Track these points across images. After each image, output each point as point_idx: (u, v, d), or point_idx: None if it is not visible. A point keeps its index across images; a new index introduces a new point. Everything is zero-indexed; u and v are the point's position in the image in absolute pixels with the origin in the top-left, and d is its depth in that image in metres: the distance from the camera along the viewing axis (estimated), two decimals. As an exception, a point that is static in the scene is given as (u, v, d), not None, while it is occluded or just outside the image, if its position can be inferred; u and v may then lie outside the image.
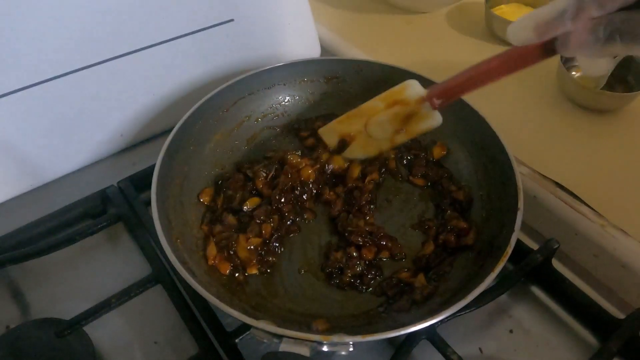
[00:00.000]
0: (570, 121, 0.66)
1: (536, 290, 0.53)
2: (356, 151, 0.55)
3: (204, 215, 0.54)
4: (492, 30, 0.81)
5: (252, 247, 0.50)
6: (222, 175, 0.58)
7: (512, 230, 0.44)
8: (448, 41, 0.81)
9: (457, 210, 0.54)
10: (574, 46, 0.34)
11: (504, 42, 0.80)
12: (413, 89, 0.49)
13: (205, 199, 0.55)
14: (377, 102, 0.51)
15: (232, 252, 0.49)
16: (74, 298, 0.50)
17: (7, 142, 0.55)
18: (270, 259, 0.50)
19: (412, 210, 0.56)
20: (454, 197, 0.55)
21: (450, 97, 0.47)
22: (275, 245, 0.51)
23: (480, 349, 0.48)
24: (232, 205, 0.54)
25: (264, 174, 0.55)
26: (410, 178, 0.58)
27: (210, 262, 0.49)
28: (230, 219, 0.52)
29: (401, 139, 0.52)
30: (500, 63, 0.41)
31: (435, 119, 0.49)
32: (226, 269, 0.49)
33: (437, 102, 0.47)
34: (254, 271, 0.49)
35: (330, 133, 0.56)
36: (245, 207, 0.53)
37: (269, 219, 0.52)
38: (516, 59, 0.40)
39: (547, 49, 0.37)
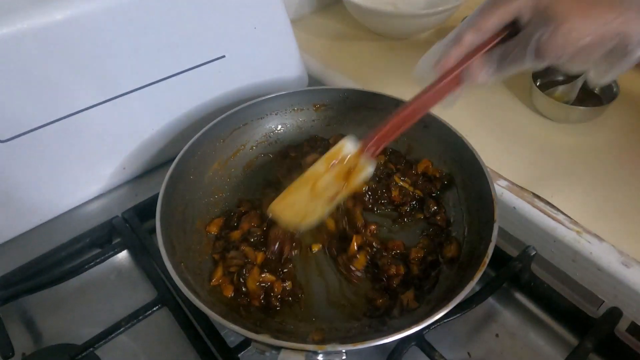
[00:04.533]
0: (544, 135, 0.70)
1: (519, 296, 0.56)
2: (308, 219, 0.52)
3: (214, 244, 0.56)
4: (469, 52, 0.86)
5: (263, 284, 0.51)
6: (233, 209, 0.60)
7: (490, 241, 0.47)
8: (428, 64, 0.86)
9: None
10: (475, 77, 0.42)
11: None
12: (349, 146, 0.48)
13: (213, 229, 0.58)
14: (318, 167, 0.50)
15: (241, 280, 0.51)
16: (85, 324, 0.53)
17: (17, 181, 0.59)
18: (276, 303, 0.51)
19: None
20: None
21: (383, 143, 0.48)
22: (286, 296, 0.52)
23: (468, 353, 0.51)
24: (254, 240, 0.55)
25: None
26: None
27: (214, 282, 0.52)
28: (248, 250, 0.54)
29: (342, 195, 0.51)
30: (420, 103, 0.46)
31: (371, 167, 0.49)
32: (229, 292, 0.52)
33: (373, 150, 0.48)
34: (256, 303, 0.51)
35: (284, 209, 0.51)
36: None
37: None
38: (433, 96, 0.45)
39: (457, 80, 0.43)
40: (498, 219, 0.49)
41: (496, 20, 0.41)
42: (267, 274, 0.52)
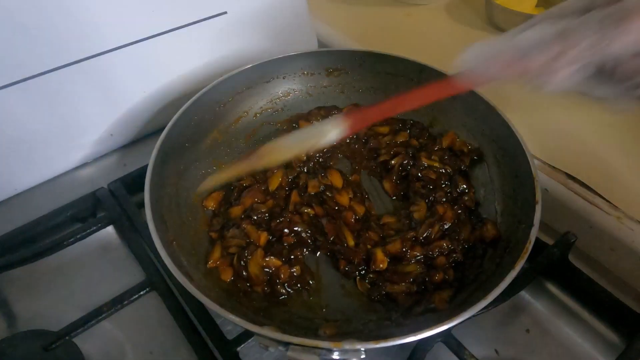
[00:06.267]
0: (581, 111, 0.64)
1: (552, 287, 0.51)
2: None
3: (211, 220, 0.51)
4: (493, 20, 0.79)
5: (268, 268, 0.46)
6: (233, 182, 0.54)
7: (532, 225, 0.41)
8: (449, 32, 0.79)
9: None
10: (553, 85, 0.30)
11: (505, 32, 0.78)
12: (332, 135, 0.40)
13: (211, 204, 0.52)
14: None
15: (242, 263, 0.46)
16: (63, 307, 0.48)
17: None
18: (282, 290, 0.45)
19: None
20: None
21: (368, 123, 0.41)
22: (294, 283, 0.46)
23: (496, 351, 0.46)
24: (257, 218, 0.50)
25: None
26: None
27: (211, 264, 0.46)
28: (250, 229, 0.48)
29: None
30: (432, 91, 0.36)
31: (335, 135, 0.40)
32: (228, 276, 0.46)
33: (351, 124, 0.40)
34: (259, 290, 0.46)
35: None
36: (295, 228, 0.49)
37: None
38: (451, 87, 0.35)
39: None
40: (540, 200, 0.43)
41: None
42: (272, 258, 0.46)
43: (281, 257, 0.47)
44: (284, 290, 0.45)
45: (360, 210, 0.51)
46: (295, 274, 0.46)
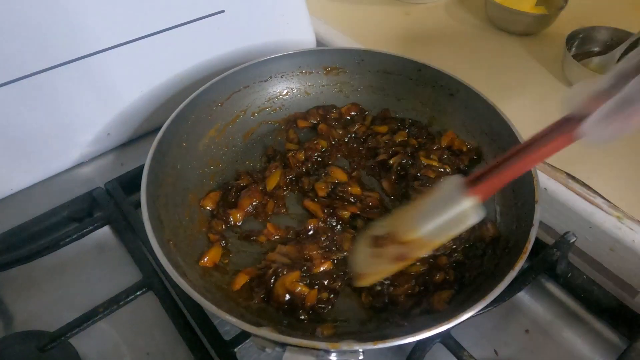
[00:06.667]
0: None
1: (551, 287, 0.50)
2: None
3: (210, 221, 0.50)
4: (493, 19, 0.78)
5: (298, 289, 0.43)
6: (231, 182, 0.53)
7: (531, 225, 0.41)
8: (448, 31, 0.79)
9: None
10: None
11: (504, 31, 0.77)
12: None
13: (208, 204, 0.51)
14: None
15: (272, 279, 0.43)
16: (59, 308, 0.47)
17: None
18: (302, 316, 0.43)
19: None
20: None
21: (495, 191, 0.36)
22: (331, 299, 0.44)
23: (495, 351, 0.46)
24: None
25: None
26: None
27: (203, 263, 0.46)
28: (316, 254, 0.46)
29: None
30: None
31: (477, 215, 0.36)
32: (241, 282, 0.44)
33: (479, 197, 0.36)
34: (274, 306, 0.43)
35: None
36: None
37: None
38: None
39: None
40: (540, 200, 0.42)
41: None
42: (303, 286, 0.43)
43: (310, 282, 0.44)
44: (305, 316, 0.43)
45: (375, 195, 0.52)
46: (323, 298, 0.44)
